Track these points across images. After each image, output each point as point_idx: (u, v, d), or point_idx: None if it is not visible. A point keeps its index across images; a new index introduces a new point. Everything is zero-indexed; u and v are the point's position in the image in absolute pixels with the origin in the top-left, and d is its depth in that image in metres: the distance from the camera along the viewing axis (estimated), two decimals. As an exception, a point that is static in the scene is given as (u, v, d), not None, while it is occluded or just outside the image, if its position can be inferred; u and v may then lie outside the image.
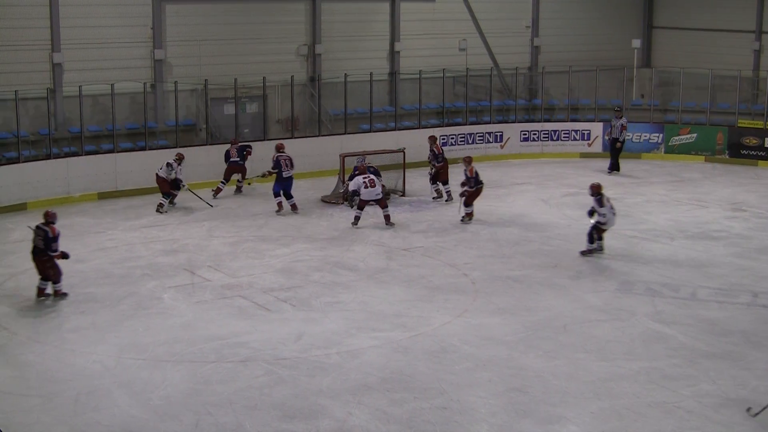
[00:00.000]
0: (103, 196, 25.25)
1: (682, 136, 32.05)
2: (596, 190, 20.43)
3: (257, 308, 17.02)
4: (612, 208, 20.48)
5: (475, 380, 14.01)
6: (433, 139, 25.76)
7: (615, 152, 29.70)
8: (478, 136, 31.02)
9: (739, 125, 31.57)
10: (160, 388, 13.66)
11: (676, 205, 25.34)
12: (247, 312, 16.84)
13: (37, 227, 17.37)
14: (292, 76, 28.68)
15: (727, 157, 31.31)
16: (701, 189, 27.39)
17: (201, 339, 15.51)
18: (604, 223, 20.48)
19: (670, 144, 32.09)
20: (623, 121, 29.83)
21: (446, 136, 30.35)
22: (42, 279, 17.44)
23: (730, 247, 21.28)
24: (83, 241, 21.15)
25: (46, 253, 17.27)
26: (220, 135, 28.04)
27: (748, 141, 31.09)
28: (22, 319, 16.66)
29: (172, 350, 15.08)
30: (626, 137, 30.02)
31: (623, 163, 29.71)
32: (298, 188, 26.03)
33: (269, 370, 14.28)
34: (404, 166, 25.93)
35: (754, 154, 30.93)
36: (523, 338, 15.73)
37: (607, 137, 30.78)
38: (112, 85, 25.61)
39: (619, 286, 18.54)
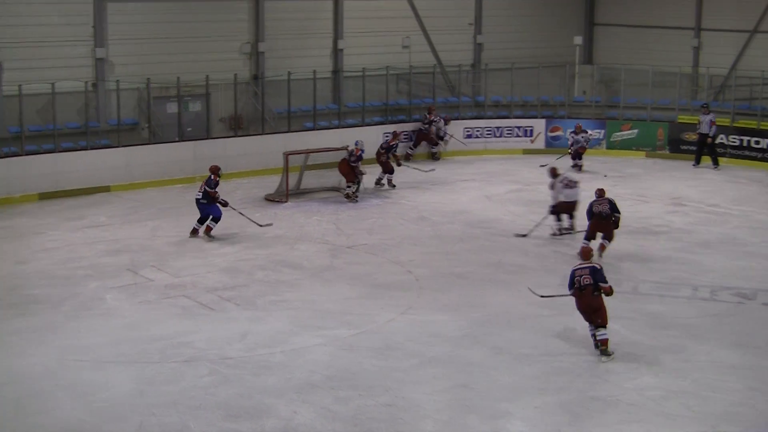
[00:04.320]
0: (45, 196, 24.94)
1: (624, 132, 32.37)
2: (551, 174, 21.74)
3: (201, 308, 16.94)
4: (565, 186, 21.49)
5: (420, 377, 14.06)
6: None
7: (702, 148, 30.20)
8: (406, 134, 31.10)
9: (680, 121, 31.95)
10: (103, 390, 13.54)
11: (618, 201, 25.44)
12: (191, 312, 16.76)
13: None
14: (236, 75, 28.56)
15: (668, 152, 31.67)
16: (642, 184, 27.67)
17: (145, 339, 15.41)
18: (554, 205, 21.58)
19: (611, 140, 32.40)
20: (711, 116, 30.04)
21: (389, 133, 30.30)
22: None
23: (671, 241, 21.53)
24: (24, 243, 20.93)
25: None
26: (162, 134, 27.83)
27: (688, 136, 31.43)
28: (-37, 322, 16.46)
29: (116, 351, 14.95)
30: (715, 132, 30.19)
31: (564, 160, 29.94)
32: (241, 187, 26.04)
33: (214, 370, 14.23)
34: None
35: (695, 149, 31.27)
36: (467, 334, 15.81)
37: (694, 136, 30.85)
38: (53, 84, 25.33)
39: (562, 281, 18.53)
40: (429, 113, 30.84)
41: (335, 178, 25.92)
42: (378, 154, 26.66)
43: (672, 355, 14.99)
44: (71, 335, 15.64)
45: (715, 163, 30.12)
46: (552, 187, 21.99)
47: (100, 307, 17.03)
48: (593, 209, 19.88)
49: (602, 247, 19.90)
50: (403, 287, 18.23)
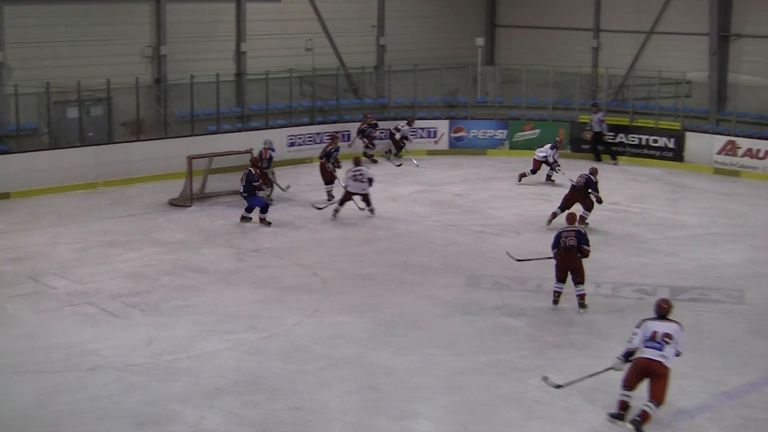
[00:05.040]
0: (-59, 204, 24.46)
1: (526, 132, 32.75)
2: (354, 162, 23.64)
3: (105, 315, 16.72)
4: (356, 178, 23.27)
5: (328, 379, 14.06)
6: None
7: (596, 145, 31.15)
8: (326, 136, 30.92)
9: (581, 120, 32.43)
10: (4, 402, 13.27)
11: (521, 200, 25.89)
12: (95, 319, 16.52)
13: None
14: (137, 78, 28.23)
15: (570, 151, 32.10)
16: (545, 183, 28.01)
17: (47, 348, 15.14)
18: (345, 186, 23.56)
19: (514, 140, 32.76)
20: (600, 115, 31.04)
21: (294, 136, 30.35)
22: None
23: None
24: None
25: None
26: (63, 139, 27.40)
27: (587, 136, 31.92)
28: None
29: (17, 361, 14.67)
30: (607, 129, 31.22)
31: (468, 159, 30.27)
32: (145, 192, 25.80)
33: (119, 378, 14.05)
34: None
35: (590, 148, 31.83)
36: (374, 335, 15.86)
37: (590, 135, 31.57)
38: (-51, 89, 24.84)
39: (467, 280, 18.85)
40: (366, 116, 30.93)
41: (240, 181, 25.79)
42: (322, 165, 25.90)
43: (575, 352, 15.22)
44: (-29, 346, 15.34)
45: (614, 158, 31.10)
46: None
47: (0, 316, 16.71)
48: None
49: (582, 219, 21.92)
50: (310, 290, 18.21)
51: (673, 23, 33.21)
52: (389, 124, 31.58)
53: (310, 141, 30.67)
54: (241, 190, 22.98)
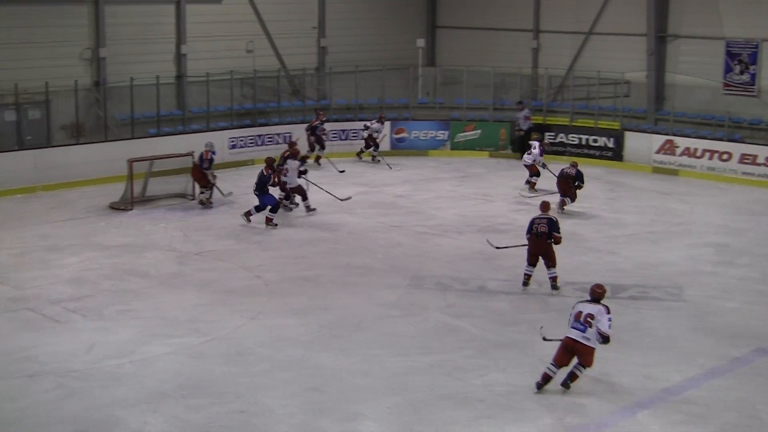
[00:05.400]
0: None
1: (467, 133, 32.91)
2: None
3: (46, 320, 16.53)
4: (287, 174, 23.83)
5: (272, 382, 14.03)
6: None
7: (523, 142, 31.05)
8: (267, 138, 30.99)
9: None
10: (-57, 409, 13.13)
11: (463, 200, 26.00)
12: (35, 324, 16.32)
13: None
14: (76, 81, 27.94)
15: (510, 152, 32.32)
16: (487, 183, 28.22)
17: (-14, 355, 14.98)
18: (285, 182, 23.98)
19: (455, 141, 32.89)
20: (525, 112, 31.66)
21: (235, 138, 30.22)
22: None
23: (515, 239, 21.90)
24: None
25: None
26: (0, 143, 27.04)
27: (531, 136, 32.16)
28: None
29: (-44, 368, 14.51)
30: (529, 126, 31.68)
31: (409, 160, 30.38)
32: (85, 195, 25.57)
33: (60, 384, 13.90)
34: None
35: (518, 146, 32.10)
36: (318, 337, 15.85)
37: (517, 132, 32.04)
38: None
39: (410, 281, 18.90)
40: (318, 115, 30.64)
41: (181, 184, 25.67)
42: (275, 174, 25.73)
43: (519, 351, 15.32)
44: None
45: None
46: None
47: (-63, 323, 16.49)
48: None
49: (563, 203, 24.38)
50: (253, 292, 18.16)
51: (611, 24, 33.57)
52: (333, 126, 31.55)
53: (251, 143, 30.58)
54: (254, 188, 23.08)
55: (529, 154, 27.08)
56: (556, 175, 24.91)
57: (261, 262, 20.07)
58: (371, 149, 31.04)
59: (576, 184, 24.51)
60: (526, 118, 31.65)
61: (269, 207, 22.94)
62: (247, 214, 23.11)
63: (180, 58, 31.41)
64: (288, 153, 24.60)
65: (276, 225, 22.83)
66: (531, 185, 27.02)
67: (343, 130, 32.32)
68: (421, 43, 36.10)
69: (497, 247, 19.61)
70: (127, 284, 18.59)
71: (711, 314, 17.30)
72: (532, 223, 18.26)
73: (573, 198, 24.65)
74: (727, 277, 19.63)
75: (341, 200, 24.61)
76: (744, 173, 28.54)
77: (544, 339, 14.28)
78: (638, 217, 24.43)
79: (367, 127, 30.97)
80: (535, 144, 27.21)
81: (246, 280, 18.91)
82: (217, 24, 32.32)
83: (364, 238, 22.12)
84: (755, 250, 21.52)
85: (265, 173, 23.03)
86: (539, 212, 18.51)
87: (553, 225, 18.03)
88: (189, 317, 16.75)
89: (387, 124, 31.66)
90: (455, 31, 38.04)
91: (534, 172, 27.10)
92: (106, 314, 16.89)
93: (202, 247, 21.23)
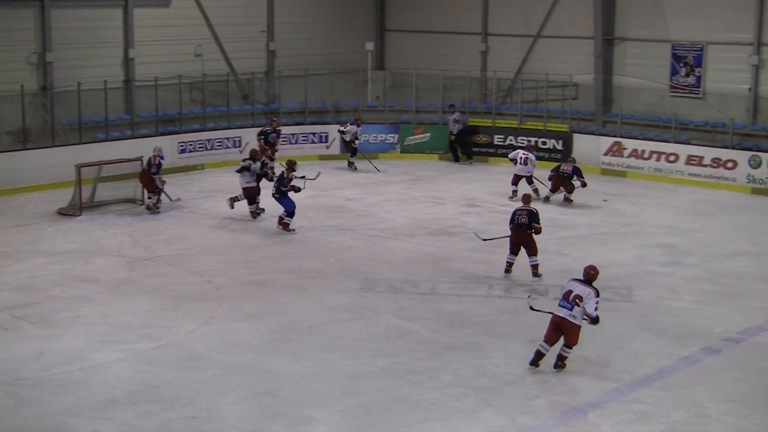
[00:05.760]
0: None
1: (417, 136, 33.01)
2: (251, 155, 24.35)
3: (-7, 328, 16.38)
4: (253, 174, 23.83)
5: (224, 387, 13.97)
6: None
7: (454, 145, 32.08)
8: (217, 142, 30.90)
9: (470, 124, 32.77)
10: None
11: (413, 203, 26.06)
12: (-18, 332, 16.17)
13: None
14: (22, 86, 27.63)
15: (460, 154, 32.43)
16: (437, 186, 28.30)
17: (-67, 364, 14.79)
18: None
19: (405, 144, 32.98)
20: (456, 115, 31.85)
21: (185, 142, 30.08)
22: None
23: (466, 241, 22.05)
24: None
25: None
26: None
27: (478, 139, 32.36)
28: None
29: None
30: (459, 129, 32.07)
31: (359, 164, 30.39)
32: (32, 201, 25.32)
33: (9, 392, 13.74)
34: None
35: (485, 151, 32.30)
36: (269, 342, 15.81)
37: (453, 137, 32.30)
38: None
39: (361, 284, 18.91)
40: (271, 121, 29.88)
41: (130, 189, 25.51)
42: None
43: (471, 353, 15.37)
44: None
45: (469, 157, 32.29)
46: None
47: None
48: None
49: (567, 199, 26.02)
50: (203, 297, 18.08)
51: (559, 27, 33.82)
52: (283, 130, 31.48)
53: (201, 148, 30.46)
54: (273, 192, 23.13)
55: (525, 165, 26.71)
56: (549, 176, 26.23)
57: (211, 267, 19.99)
58: (354, 154, 30.93)
59: (574, 179, 25.85)
60: (455, 121, 31.82)
61: (286, 212, 23.00)
62: (284, 225, 22.94)
63: (128, 63, 31.20)
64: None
65: (293, 230, 22.87)
66: (535, 192, 26.61)
67: (293, 134, 32.26)
68: (370, 46, 36.16)
69: (484, 239, 20.53)
70: (77, 290, 18.44)
71: (660, 314, 17.48)
72: (514, 214, 19.28)
73: (570, 191, 26.03)
74: (675, 277, 19.84)
75: (313, 179, 24.52)
76: (691, 174, 28.88)
77: (531, 309, 15.23)
78: (587, 219, 24.62)
79: (342, 132, 30.87)
80: (532, 157, 26.86)
81: (196, 285, 18.83)
82: (165, 28, 32.13)
83: (315, 241, 22.11)
84: (702, 251, 21.77)
85: (286, 176, 23.06)
86: (521, 204, 19.55)
87: (533, 216, 19.02)
88: (139, 323, 16.65)
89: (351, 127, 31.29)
90: (404, 35, 38.14)
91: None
92: (55, 321, 16.73)
93: (151, 253, 21.10)
